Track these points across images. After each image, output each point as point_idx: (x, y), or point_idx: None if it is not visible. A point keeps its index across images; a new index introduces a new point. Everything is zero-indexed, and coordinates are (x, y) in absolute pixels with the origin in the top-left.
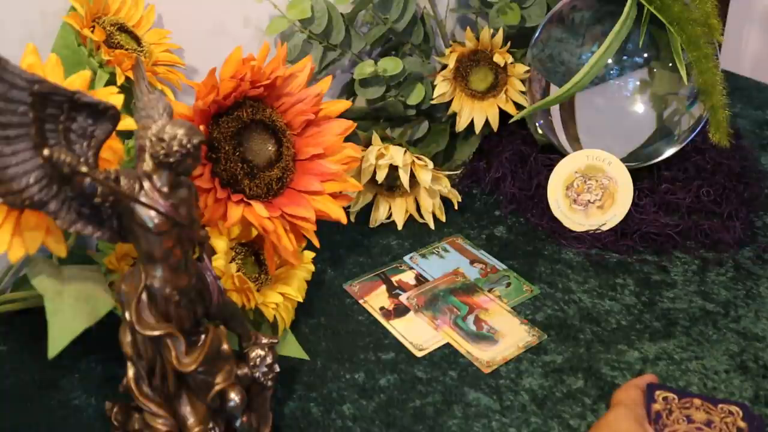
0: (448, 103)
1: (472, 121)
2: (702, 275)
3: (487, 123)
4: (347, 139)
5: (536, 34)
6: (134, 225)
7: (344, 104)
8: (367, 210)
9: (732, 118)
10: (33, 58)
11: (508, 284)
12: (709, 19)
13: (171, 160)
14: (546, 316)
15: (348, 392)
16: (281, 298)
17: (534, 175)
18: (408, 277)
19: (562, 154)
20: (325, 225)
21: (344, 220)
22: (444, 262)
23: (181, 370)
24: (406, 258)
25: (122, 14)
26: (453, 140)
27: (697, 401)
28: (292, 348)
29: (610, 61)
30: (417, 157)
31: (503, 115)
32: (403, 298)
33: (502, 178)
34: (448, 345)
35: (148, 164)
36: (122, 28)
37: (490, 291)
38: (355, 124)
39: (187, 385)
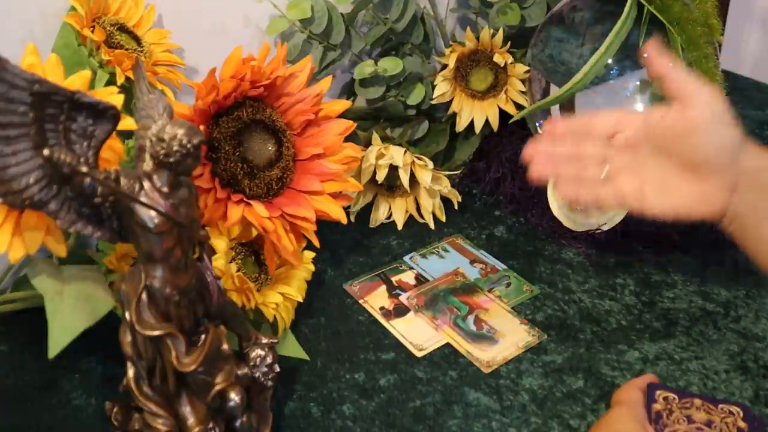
0: (448, 103)
1: (472, 121)
2: (702, 275)
3: (487, 123)
4: (347, 139)
5: (536, 34)
6: (134, 225)
7: (344, 104)
8: (367, 210)
9: None
10: (33, 58)
11: (508, 284)
12: (709, 19)
13: (171, 160)
14: (546, 316)
15: (348, 392)
16: (281, 298)
17: None
18: (408, 277)
19: None
20: (325, 225)
21: (344, 220)
22: (444, 262)
23: (181, 370)
24: (406, 258)
25: (122, 14)
26: (453, 140)
27: (697, 401)
28: (292, 348)
29: (610, 61)
30: (417, 157)
31: (503, 115)
32: (403, 298)
33: (502, 178)
34: (448, 345)
35: (148, 164)
36: (122, 28)
37: (490, 291)
38: (355, 124)
39: (187, 385)
